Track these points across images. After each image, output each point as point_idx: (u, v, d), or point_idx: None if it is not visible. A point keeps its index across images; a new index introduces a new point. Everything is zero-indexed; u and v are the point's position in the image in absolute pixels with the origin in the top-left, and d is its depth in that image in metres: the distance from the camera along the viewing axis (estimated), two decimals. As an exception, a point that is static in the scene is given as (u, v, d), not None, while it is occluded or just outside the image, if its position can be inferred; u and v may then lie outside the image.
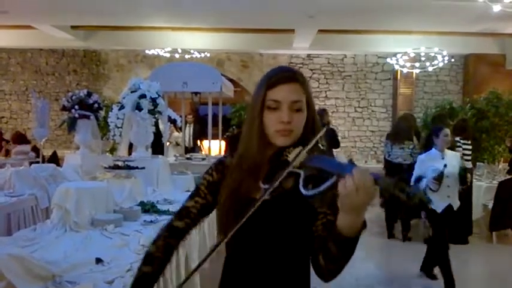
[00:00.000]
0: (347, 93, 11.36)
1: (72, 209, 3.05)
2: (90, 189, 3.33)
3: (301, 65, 11.31)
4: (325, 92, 11.35)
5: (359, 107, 11.37)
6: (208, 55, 10.29)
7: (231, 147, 8.23)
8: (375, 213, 7.71)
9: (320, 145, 1.25)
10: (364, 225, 1.10)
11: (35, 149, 7.27)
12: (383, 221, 6.55)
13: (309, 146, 1.15)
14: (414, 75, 10.56)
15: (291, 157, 1.17)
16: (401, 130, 6.27)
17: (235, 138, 8.39)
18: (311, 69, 11.36)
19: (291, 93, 1.24)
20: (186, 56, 9.58)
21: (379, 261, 5.58)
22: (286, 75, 1.26)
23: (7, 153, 7.60)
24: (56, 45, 10.69)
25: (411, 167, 6.08)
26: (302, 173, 1.11)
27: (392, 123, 6.56)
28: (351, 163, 1.07)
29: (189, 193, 1.41)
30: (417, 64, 9.25)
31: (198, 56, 9.76)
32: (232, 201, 1.26)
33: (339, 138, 7.74)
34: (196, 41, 9.77)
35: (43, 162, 6.18)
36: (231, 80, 10.30)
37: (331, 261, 1.16)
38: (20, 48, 11.20)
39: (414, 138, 6.26)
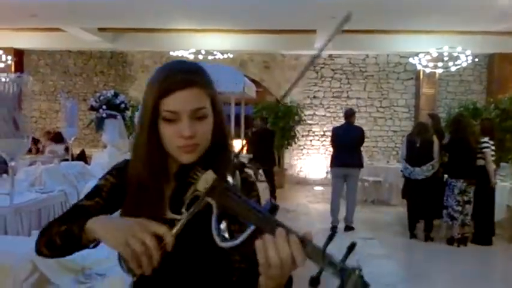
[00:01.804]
0: (369, 93, 11.34)
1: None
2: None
3: (322, 65, 11.36)
4: (347, 92, 11.37)
5: (381, 106, 11.34)
6: (231, 56, 10.43)
7: (254, 143, 8.36)
8: (396, 212, 7.71)
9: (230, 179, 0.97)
10: (290, 282, 0.92)
11: (65, 148, 7.53)
12: (405, 219, 6.55)
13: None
14: (437, 75, 10.48)
15: (200, 185, 0.92)
16: (420, 154, 6.11)
17: (258, 133, 8.52)
18: (332, 69, 11.39)
19: (190, 101, 1.01)
20: (210, 57, 9.73)
21: (401, 260, 5.60)
22: (181, 78, 1.02)
23: (37, 152, 7.88)
24: (83, 47, 10.99)
25: (432, 180, 6.10)
26: (214, 207, 0.90)
27: (410, 142, 6.39)
28: (272, 210, 0.84)
29: (86, 194, 1.17)
30: (440, 64, 9.18)
31: (221, 57, 9.90)
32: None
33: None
34: (219, 43, 9.93)
35: (72, 160, 6.41)
36: (253, 81, 10.42)
37: None
38: (49, 50, 11.57)
39: (435, 145, 6.14)
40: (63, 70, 11.94)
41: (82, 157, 7.67)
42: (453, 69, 9.34)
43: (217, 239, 0.87)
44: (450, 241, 5.91)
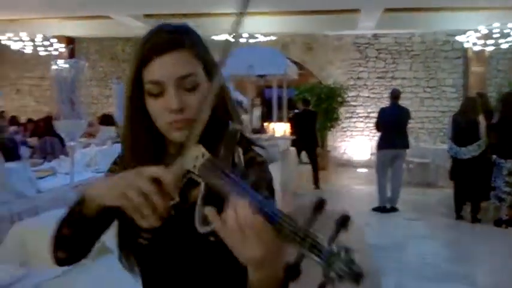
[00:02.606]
0: (415, 73, 11.07)
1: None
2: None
3: (367, 45, 11.18)
4: (392, 72, 11.15)
5: (428, 87, 11.06)
6: (273, 38, 10.44)
7: (296, 125, 8.41)
8: (443, 194, 7.60)
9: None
10: (291, 272, 0.65)
11: (116, 130, 7.87)
12: (451, 201, 6.45)
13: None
14: (487, 53, 10.09)
15: (187, 163, 0.83)
16: (466, 134, 5.98)
17: (300, 115, 8.56)
18: (377, 49, 11.19)
19: (176, 67, 0.86)
20: (252, 40, 9.79)
21: (446, 241, 5.55)
22: (165, 39, 0.87)
23: (90, 135, 8.27)
24: (130, 34, 11.33)
25: (480, 161, 5.94)
26: (202, 187, 0.79)
27: (456, 121, 6.24)
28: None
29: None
30: (490, 41, 8.84)
31: (264, 39, 9.94)
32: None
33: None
34: (261, 25, 9.95)
35: (123, 142, 6.70)
36: (295, 63, 10.42)
37: None
38: (98, 37, 11.99)
39: (482, 124, 5.97)
40: (111, 56, 12.37)
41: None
42: (504, 46, 8.97)
43: (196, 222, 0.75)
44: (498, 223, 5.80)
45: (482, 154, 5.96)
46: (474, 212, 6.04)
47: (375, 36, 11.08)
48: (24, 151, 7.40)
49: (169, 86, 0.86)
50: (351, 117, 11.39)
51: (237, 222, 0.68)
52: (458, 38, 9.42)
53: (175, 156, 0.86)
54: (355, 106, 11.31)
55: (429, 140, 9.74)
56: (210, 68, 0.89)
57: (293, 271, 0.62)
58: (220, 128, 0.86)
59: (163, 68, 0.86)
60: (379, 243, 5.10)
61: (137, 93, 0.89)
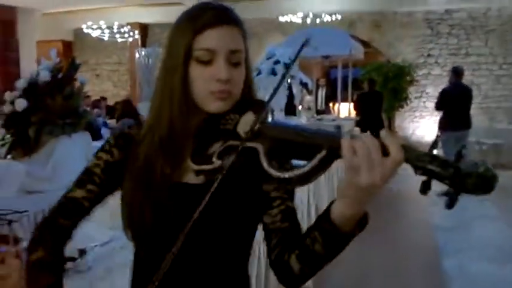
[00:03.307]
0: (491, 49, 10.49)
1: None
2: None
3: (439, 21, 10.73)
4: (466, 48, 10.63)
5: (505, 63, 10.44)
6: (339, 17, 10.35)
7: (360, 106, 8.36)
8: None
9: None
10: (365, 219, 0.81)
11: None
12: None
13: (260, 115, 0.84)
14: None
15: (241, 128, 0.86)
16: None
17: (365, 96, 8.49)
18: (450, 25, 10.70)
19: (229, 40, 0.91)
20: (317, 20, 9.77)
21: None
22: (220, 13, 0.91)
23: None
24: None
25: None
26: (260, 147, 0.80)
27: None
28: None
29: (76, 178, 1.00)
30: None
31: (329, 19, 9.88)
32: (145, 190, 0.92)
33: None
34: (326, 4, 9.90)
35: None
36: (362, 41, 10.27)
37: (312, 263, 0.87)
38: (170, 23, 12.48)
39: None
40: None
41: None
42: None
43: (275, 172, 0.76)
44: None
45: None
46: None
47: (447, 11, 10.59)
48: (104, 132, 8.04)
49: (220, 57, 0.89)
50: (421, 96, 11.05)
51: (367, 150, 0.70)
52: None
53: (204, 128, 0.91)
54: (425, 85, 10.96)
55: (504, 120, 9.27)
56: (247, 50, 0.96)
57: (427, 186, 0.70)
58: (249, 100, 0.95)
59: (220, 38, 0.90)
60: (445, 224, 5.07)
61: (186, 59, 0.91)
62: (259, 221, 0.98)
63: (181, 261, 0.89)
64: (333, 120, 7.75)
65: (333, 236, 0.81)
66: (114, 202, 1.04)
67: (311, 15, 9.74)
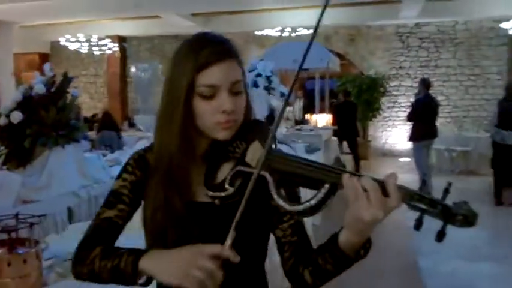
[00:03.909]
0: (459, 61, 10.99)
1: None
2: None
3: (409, 34, 11.18)
4: (435, 60, 11.10)
5: (472, 74, 10.95)
6: (315, 31, 10.63)
7: (337, 116, 8.65)
8: (484, 182, 7.62)
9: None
10: (369, 242, 0.93)
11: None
12: (492, 188, 6.54)
13: (268, 143, 0.89)
14: (533, 38, 9.89)
15: (249, 158, 0.93)
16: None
17: (341, 106, 8.78)
18: (420, 38, 11.16)
19: (230, 74, 0.97)
20: (293, 34, 10.01)
21: (485, 225, 5.65)
22: (220, 49, 0.97)
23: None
24: (179, 32, 11.84)
25: None
26: (269, 176, 0.88)
27: (503, 106, 6.34)
28: (337, 161, 0.89)
29: (104, 201, 1.07)
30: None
31: (306, 33, 10.14)
32: (165, 216, 1.00)
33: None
34: (304, 19, 10.16)
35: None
36: (337, 54, 10.58)
37: (324, 278, 0.99)
38: (148, 36, 12.57)
39: None
40: (161, 54, 12.95)
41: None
42: (552, 32, 8.80)
43: (285, 205, 0.85)
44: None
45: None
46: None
47: (417, 25, 11.05)
48: (85, 144, 8.03)
49: (223, 90, 0.95)
50: (393, 106, 11.45)
51: (371, 185, 0.81)
52: (503, 25, 9.30)
53: (210, 154, 1.00)
54: (396, 96, 11.36)
55: (472, 129, 9.70)
56: (244, 76, 1.02)
57: (419, 223, 0.80)
58: (252, 124, 1.04)
59: (222, 74, 0.95)
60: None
61: (189, 94, 0.96)
62: (272, 230, 1.08)
63: None
64: (311, 130, 7.99)
65: (341, 260, 0.92)
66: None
67: (289, 29, 9.98)
